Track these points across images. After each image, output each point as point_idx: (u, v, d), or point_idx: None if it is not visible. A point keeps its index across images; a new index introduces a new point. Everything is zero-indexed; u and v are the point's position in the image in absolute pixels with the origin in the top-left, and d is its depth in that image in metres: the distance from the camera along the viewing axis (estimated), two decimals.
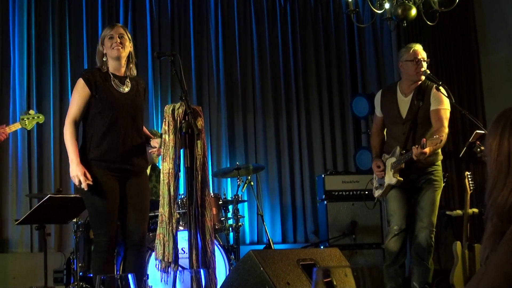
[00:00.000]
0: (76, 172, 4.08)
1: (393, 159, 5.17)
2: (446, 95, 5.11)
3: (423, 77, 5.20)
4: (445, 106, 5.13)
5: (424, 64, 5.21)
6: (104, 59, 4.34)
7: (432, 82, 5.20)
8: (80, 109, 4.22)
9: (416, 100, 5.16)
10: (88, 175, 4.08)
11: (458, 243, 6.07)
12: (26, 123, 5.14)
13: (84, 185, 4.06)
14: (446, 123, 5.10)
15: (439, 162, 5.23)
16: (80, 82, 4.25)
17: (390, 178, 5.17)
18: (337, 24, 8.90)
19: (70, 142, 4.17)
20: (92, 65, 7.53)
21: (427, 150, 4.82)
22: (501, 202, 1.82)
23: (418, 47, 5.29)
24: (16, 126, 5.07)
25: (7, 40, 7.44)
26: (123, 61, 4.36)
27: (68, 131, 4.18)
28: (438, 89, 5.11)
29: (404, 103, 5.24)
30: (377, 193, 5.37)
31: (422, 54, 5.24)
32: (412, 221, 5.27)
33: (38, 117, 5.20)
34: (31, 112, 5.18)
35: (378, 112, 5.48)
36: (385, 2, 5.90)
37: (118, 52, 4.29)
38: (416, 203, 5.19)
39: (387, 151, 5.30)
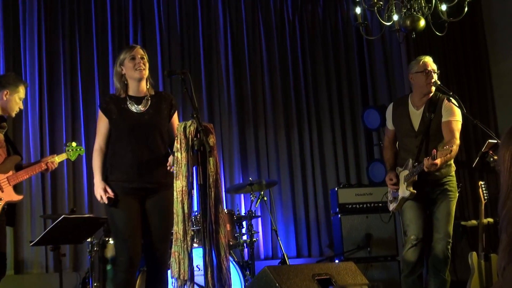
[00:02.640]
0: (97, 188, 4.29)
1: (406, 172, 5.15)
2: (458, 105, 5.10)
3: (433, 89, 5.19)
4: (457, 118, 5.11)
5: (435, 76, 5.19)
6: (124, 81, 4.40)
7: (443, 93, 5.19)
8: (102, 135, 4.41)
9: (428, 113, 5.14)
10: (109, 190, 4.26)
11: (474, 253, 6.03)
12: (71, 154, 5.29)
13: (104, 199, 4.24)
14: (457, 134, 5.07)
15: (453, 173, 5.21)
16: (99, 113, 4.46)
17: (404, 191, 5.15)
18: (346, 36, 8.92)
19: (96, 165, 4.38)
20: (103, 84, 7.61)
21: (438, 161, 4.80)
22: None
23: (428, 59, 5.28)
24: (63, 157, 5.21)
25: (19, 63, 7.49)
26: (144, 82, 4.42)
27: (95, 156, 4.39)
28: (449, 100, 5.10)
29: (416, 116, 5.23)
30: (391, 206, 5.35)
31: (432, 66, 5.23)
32: (429, 233, 5.24)
33: (80, 149, 5.35)
34: (74, 144, 5.34)
35: (389, 125, 5.47)
36: (393, 14, 5.91)
37: (141, 73, 4.37)
38: (432, 214, 5.17)
39: (400, 164, 5.28)
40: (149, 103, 4.41)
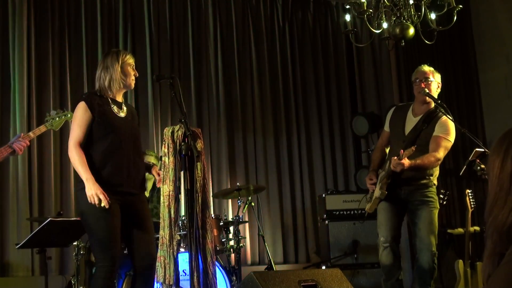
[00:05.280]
0: (95, 190, 4.00)
1: (383, 173, 5.19)
2: (445, 113, 5.12)
3: (426, 98, 5.19)
4: (449, 138, 5.11)
5: (430, 85, 5.19)
6: (112, 83, 4.29)
7: (433, 101, 5.19)
8: (83, 132, 4.16)
9: (423, 122, 5.17)
10: (105, 194, 4.02)
11: (460, 261, 6.06)
12: (54, 123, 4.61)
13: (104, 203, 3.99)
14: (442, 151, 5.07)
15: (433, 187, 5.21)
16: (82, 105, 4.20)
17: (377, 191, 5.19)
18: (336, 43, 8.95)
19: (79, 163, 4.08)
20: (92, 87, 7.58)
21: (404, 161, 4.83)
22: (502, 220, 1.82)
23: (423, 68, 5.31)
24: (42, 130, 4.58)
25: (7, 62, 7.45)
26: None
27: (75, 152, 4.10)
28: (448, 118, 5.10)
29: (411, 122, 5.25)
30: (367, 206, 5.38)
31: (424, 75, 5.24)
32: (413, 244, 5.26)
33: (66, 114, 4.64)
34: (55, 112, 4.64)
35: (386, 127, 5.50)
36: (383, 22, 5.93)
37: (132, 85, 4.36)
38: (413, 224, 5.17)
39: (383, 166, 5.32)
40: (126, 110, 4.36)
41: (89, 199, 4.02)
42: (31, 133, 4.56)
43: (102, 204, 4.00)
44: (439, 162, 5.10)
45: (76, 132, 4.16)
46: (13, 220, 7.14)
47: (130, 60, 4.34)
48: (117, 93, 4.32)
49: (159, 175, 4.33)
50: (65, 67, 7.67)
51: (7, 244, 7.09)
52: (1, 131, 7.22)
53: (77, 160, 4.09)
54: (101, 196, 3.99)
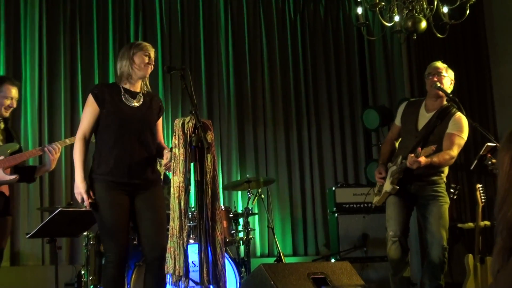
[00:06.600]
0: (80, 189, 4.12)
1: (394, 168, 5.17)
2: (458, 107, 5.09)
3: (439, 92, 5.16)
4: (462, 135, 5.09)
5: (442, 80, 5.16)
6: (127, 72, 4.31)
7: (445, 95, 5.16)
8: (90, 124, 4.24)
9: (436, 118, 5.14)
10: (91, 193, 4.12)
11: (470, 256, 6.04)
12: None
13: (86, 204, 4.11)
14: (456, 149, 5.05)
15: (444, 184, 5.19)
16: (90, 98, 4.26)
17: (387, 185, 5.17)
18: (347, 36, 8.92)
19: (77, 158, 4.20)
20: (102, 79, 7.61)
21: (421, 159, 4.81)
22: (511, 217, 1.81)
23: (437, 63, 5.28)
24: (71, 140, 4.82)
25: (19, 54, 7.49)
26: (141, 80, 4.40)
27: (77, 147, 4.21)
28: (462, 113, 5.07)
29: (424, 118, 5.22)
30: (375, 199, 5.37)
31: (437, 69, 5.21)
32: (424, 238, 5.24)
33: None
34: None
35: (397, 121, 5.47)
36: (395, 15, 5.90)
37: (147, 72, 4.36)
38: (424, 219, 5.15)
39: (393, 160, 5.30)
40: (142, 100, 4.37)
41: (75, 196, 4.17)
42: (67, 140, 4.91)
43: (85, 203, 4.11)
44: (453, 160, 5.08)
45: (82, 125, 4.26)
46: (23, 210, 7.18)
47: (143, 49, 4.35)
48: (133, 82, 4.35)
49: (167, 158, 4.32)
50: (76, 59, 7.70)
51: (18, 233, 7.14)
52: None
53: (76, 154, 4.21)
54: (84, 196, 4.10)
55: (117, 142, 4.22)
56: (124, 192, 4.21)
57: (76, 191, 4.14)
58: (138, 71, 4.33)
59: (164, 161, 4.29)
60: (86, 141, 4.24)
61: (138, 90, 4.38)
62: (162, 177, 5.41)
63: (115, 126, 4.23)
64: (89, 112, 4.25)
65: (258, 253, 8.00)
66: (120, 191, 4.19)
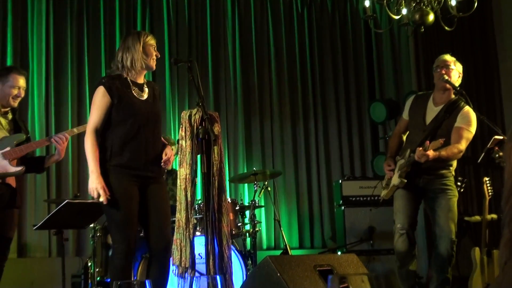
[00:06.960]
0: (96, 184, 4.01)
1: (402, 161, 5.17)
2: (466, 101, 5.08)
3: (447, 85, 5.15)
4: (470, 129, 5.08)
5: (450, 73, 5.15)
6: (134, 64, 4.26)
7: (452, 88, 5.15)
8: (101, 117, 4.15)
9: (445, 112, 5.13)
10: (107, 189, 4.03)
11: (477, 249, 6.03)
12: None
13: (103, 199, 4.01)
14: (464, 143, 5.04)
15: (452, 178, 5.18)
16: (101, 90, 4.17)
17: (395, 178, 5.17)
18: (354, 29, 8.90)
19: (90, 152, 4.09)
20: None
21: (429, 153, 4.81)
22: None
23: (445, 56, 5.27)
24: (81, 129, 4.83)
25: (26, 47, 7.50)
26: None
27: (89, 140, 4.11)
28: (470, 107, 5.06)
29: (432, 111, 5.21)
30: (383, 192, 5.37)
31: (445, 62, 5.19)
32: (432, 231, 5.23)
33: None
34: None
35: (405, 114, 5.46)
36: (402, 8, 5.88)
37: (153, 65, 4.34)
38: (433, 212, 5.14)
39: (401, 153, 5.29)
40: (147, 91, 4.32)
41: (89, 191, 4.06)
42: (74, 129, 4.89)
43: (101, 199, 4.01)
44: (462, 153, 5.07)
45: (93, 117, 4.16)
46: (30, 202, 7.21)
47: (151, 40, 4.33)
48: (138, 74, 4.29)
49: (166, 155, 4.30)
50: (83, 50, 7.71)
51: (25, 225, 7.16)
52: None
53: (88, 149, 4.10)
54: (101, 192, 4.00)
55: (133, 135, 4.16)
56: (136, 184, 4.18)
57: (91, 186, 4.03)
58: (148, 63, 4.30)
59: (164, 157, 4.26)
60: (98, 134, 4.14)
61: (142, 81, 4.34)
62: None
63: (131, 119, 4.17)
64: (100, 104, 4.16)
65: (265, 246, 8.01)
66: (133, 183, 4.15)
